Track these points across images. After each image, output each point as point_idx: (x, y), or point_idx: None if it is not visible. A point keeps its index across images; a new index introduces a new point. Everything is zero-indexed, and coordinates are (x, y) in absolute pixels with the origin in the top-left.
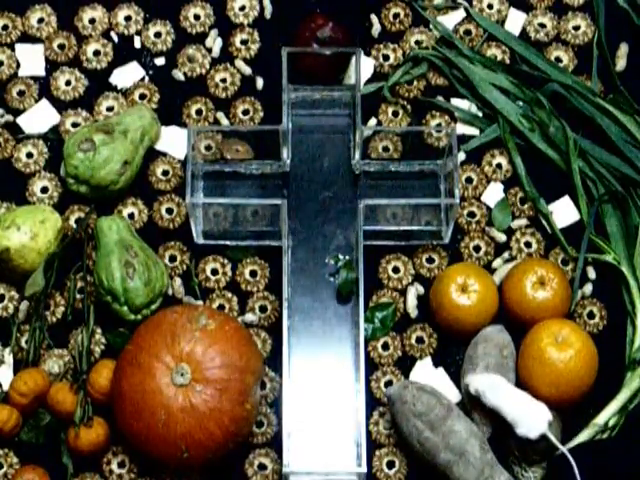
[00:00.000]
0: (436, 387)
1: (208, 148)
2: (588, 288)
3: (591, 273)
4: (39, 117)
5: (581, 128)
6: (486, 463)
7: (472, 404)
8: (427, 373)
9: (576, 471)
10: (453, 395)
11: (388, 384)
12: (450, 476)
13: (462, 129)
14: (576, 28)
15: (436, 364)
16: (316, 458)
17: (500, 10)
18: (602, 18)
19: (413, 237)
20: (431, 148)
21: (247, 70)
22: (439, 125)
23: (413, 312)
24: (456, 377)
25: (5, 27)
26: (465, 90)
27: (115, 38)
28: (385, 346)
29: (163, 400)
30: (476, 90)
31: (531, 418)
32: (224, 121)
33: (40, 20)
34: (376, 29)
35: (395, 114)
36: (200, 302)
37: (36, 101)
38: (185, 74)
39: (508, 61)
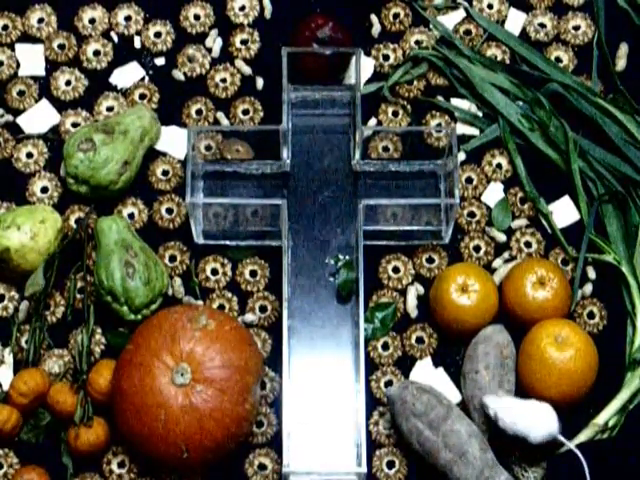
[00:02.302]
0: (436, 387)
1: (208, 148)
2: (588, 288)
3: (591, 273)
4: (39, 117)
5: (581, 128)
6: (486, 463)
7: (472, 401)
8: (427, 373)
9: (586, 469)
10: (453, 395)
11: (388, 384)
12: (450, 476)
13: (462, 129)
14: (576, 28)
15: (436, 364)
16: (316, 458)
17: (500, 10)
18: (602, 18)
19: (413, 237)
20: (431, 148)
21: (247, 70)
22: (439, 125)
23: (413, 312)
24: (456, 377)
25: (5, 27)
26: (465, 90)
27: (115, 38)
28: (385, 346)
29: (163, 400)
30: (476, 90)
31: (542, 424)
32: (224, 121)
33: (40, 20)
34: (376, 29)
35: (395, 114)
36: (200, 302)
37: (36, 101)
38: (185, 74)
39: (508, 61)
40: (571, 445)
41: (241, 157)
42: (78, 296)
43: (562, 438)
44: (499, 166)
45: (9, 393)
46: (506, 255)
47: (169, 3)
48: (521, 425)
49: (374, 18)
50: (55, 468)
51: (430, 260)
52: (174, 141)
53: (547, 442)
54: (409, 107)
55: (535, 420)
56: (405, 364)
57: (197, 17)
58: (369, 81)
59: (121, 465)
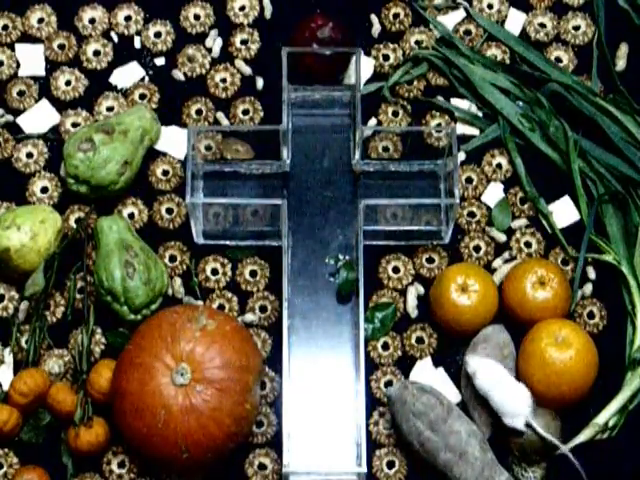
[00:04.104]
0: (436, 387)
1: (208, 148)
2: (588, 288)
3: (591, 273)
4: (39, 117)
5: (581, 128)
6: (486, 463)
7: (472, 401)
8: (427, 373)
9: (579, 467)
10: (453, 395)
11: (388, 384)
12: (450, 476)
13: (462, 129)
14: (576, 28)
15: (436, 364)
16: (316, 458)
17: (500, 10)
18: (602, 18)
19: (413, 237)
20: (431, 148)
21: (247, 70)
22: (439, 125)
23: (413, 312)
24: (456, 377)
25: (5, 27)
26: (465, 90)
27: (115, 38)
28: (385, 346)
29: (163, 400)
30: (476, 90)
31: (515, 408)
32: (224, 121)
33: (40, 20)
34: (376, 29)
35: (395, 114)
36: (200, 302)
37: (36, 101)
38: (185, 74)
39: (508, 61)
40: (544, 433)
41: (241, 157)
42: (78, 296)
43: (535, 424)
44: (499, 166)
45: (9, 393)
46: (506, 255)
47: (169, 3)
48: (495, 398)
49: (374, 18)
50: (55, 468)
51: (430, 260)
52: (174, 141)
53: (517, 425)
54: (409, 107)
55: (508, 400)
56: (405, 364)
57: (197, 17)
58: (369, 81)
59: (121, 465)
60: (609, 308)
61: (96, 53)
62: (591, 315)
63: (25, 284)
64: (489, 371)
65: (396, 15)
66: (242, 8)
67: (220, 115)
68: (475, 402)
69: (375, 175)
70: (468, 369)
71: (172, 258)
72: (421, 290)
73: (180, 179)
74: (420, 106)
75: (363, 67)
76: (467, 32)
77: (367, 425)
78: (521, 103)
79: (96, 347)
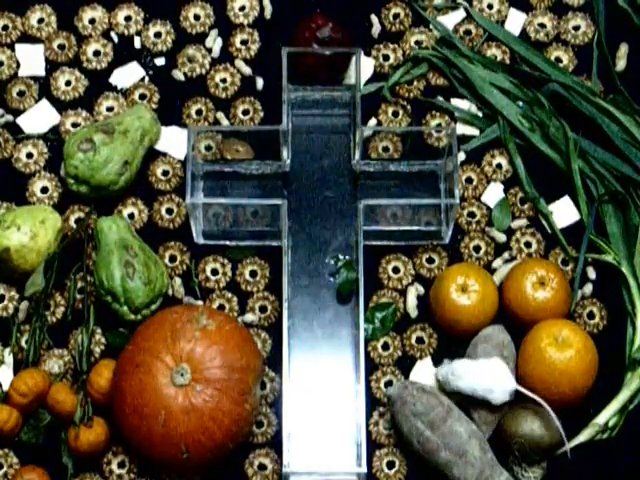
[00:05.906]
0: (436, 387)
1: (208, 148)
2: (588, 288)
3: (591, 273)
4: (39, 117)
5: (581, 128)
6: (486, 463)
7: (472, 401)
8: (427, 373)
9: (551, 412)
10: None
11: (388, 384)
12: (450, 476)
13: (462, 129)
14: (576, 28)
15: (436, 364)
16: (316, 458)
17: (500, 10)
18: (602, 18)
19: (413, 237)
20: (431, 148)
21: (247, 70)
22: (439, 125)
23: (413, 312)
24: None
25: (5, 27)
26: (465, 90)
27: (115, 38)
28: (385, 346)
29: (163, 400)
30: (476, 90)
31: (498, 382)
32: (224, 121)
33: (40, 20)
34: (376, 29)
35: (395, 114)
36: (200, 302)
37: (36, 101)
38: (185, 74)
39: (508, 61)
40: (533, 395)
41: (241, 157)
42: (78, 296)
43: (523, 389)
44: (499, 166)
45: (9, 393)
46: (506, 255)
47: (169, 3)
48: (480, 387)
49: (374, 18)
50: (55, 468)
51: (430, 260)
52: (174, 141)
53: (508, 400)
54: (409, 107)
55: (493, 379)
56: (405, 364)
57: (197, 17)
58: (369, 81)
59: (121, 465)
60: (609, 308)
61: (96, 53)
62: (591, 315)
63: (25, 284)
64: (458, 370)
65: (396, 15)
66: (242, 8)
67: (220, 115)
68: (475, 402)
69: (375, 175)
70: (439, 378)
71: (172, 258)
72: (421, 290)
73: (180, 179)
74: (420, 106)
75: (363, 67)
76: (467, 32)
77: (367, 425)
78: (521, 103)
79: (96, 347)
